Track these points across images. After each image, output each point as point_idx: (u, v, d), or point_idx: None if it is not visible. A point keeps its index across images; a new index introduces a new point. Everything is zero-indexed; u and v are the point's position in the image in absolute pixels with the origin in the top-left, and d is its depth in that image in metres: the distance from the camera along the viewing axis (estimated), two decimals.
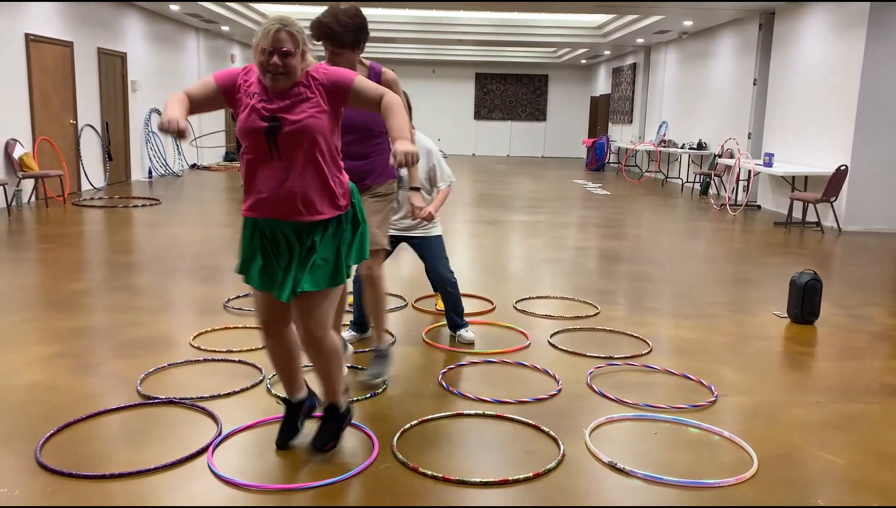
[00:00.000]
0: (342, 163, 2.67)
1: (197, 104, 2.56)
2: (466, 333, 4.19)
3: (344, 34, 3.06)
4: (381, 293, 3.42)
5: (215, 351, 3.90)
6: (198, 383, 3.46)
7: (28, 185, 9.47)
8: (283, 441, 2.82)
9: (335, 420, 2.79)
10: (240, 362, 3.76)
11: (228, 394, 3.33)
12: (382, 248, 3.41)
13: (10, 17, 9.00)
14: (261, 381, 3.50)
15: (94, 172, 11.31)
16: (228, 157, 17.21)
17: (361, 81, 2.57)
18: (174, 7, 12.50)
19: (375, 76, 3.26)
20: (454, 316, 4.22)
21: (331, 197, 2.57)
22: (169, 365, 3.68)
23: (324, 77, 2.54)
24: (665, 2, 10.47)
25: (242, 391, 3.38)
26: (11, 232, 7.41)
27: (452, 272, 4.15)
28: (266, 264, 2.60)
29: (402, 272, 5.99)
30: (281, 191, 2.50)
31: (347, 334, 4.07)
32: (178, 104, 2.48)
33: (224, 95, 2.57)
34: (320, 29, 3.05)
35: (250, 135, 2.50)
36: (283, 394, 2.88)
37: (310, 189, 2.52)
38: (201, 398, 3.27)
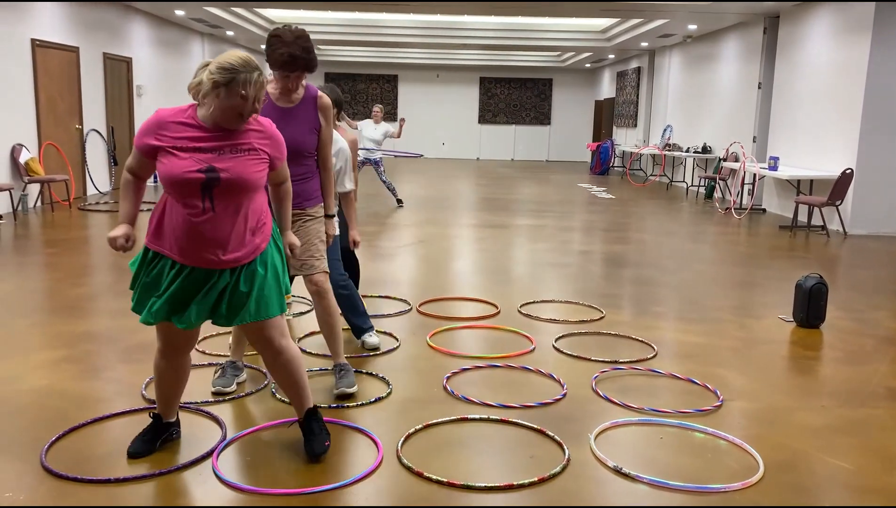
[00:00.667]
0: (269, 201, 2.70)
1: (145, 174, 2.56)
2: (370, 338, 4.08)
3: (313, 61, 3.13)
4: (330, 307, 3.39)
5: (220, 355, 3.90)
6: (202, 387, 3.47)
7: (34, 189, 9.50)
8: (140, 453, 2.74)
9: (318, 421, 2.81)
10: (245, 366, 3.76)
11: (233, 398, 3.34)
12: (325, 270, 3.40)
13: (16, 22, 9.04)
14: (265, 385, 3.50)
15: (99, 176, 11.35)
16: None
17: (285, 164, 2.71)
18: (179, 12, 12.55)
19: (311, 99, 3.27)
20: (354, 321, 4.08)
21: (254, 241, 2.58)
22: None
23: (268, 140, 2.57)
24: (671, 1, 10.45)
25: (248, 395, 3.39)
26: (17, 236, 7.43)
27: (344, 275, 3.97)
28: (181, 302, 2.55)
29: (405, 276, 6.00)
30: (206, 240, 2.48)
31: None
32: (127, 199, 2.57)
33: (151, 160, 2.51)
34: (297, 62, 3.08)
35: (184, 185, 2.43)
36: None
37: (232, 237, 2.51)
38: (206, 402, 3.28)
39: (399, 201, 10.64)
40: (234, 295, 2.56)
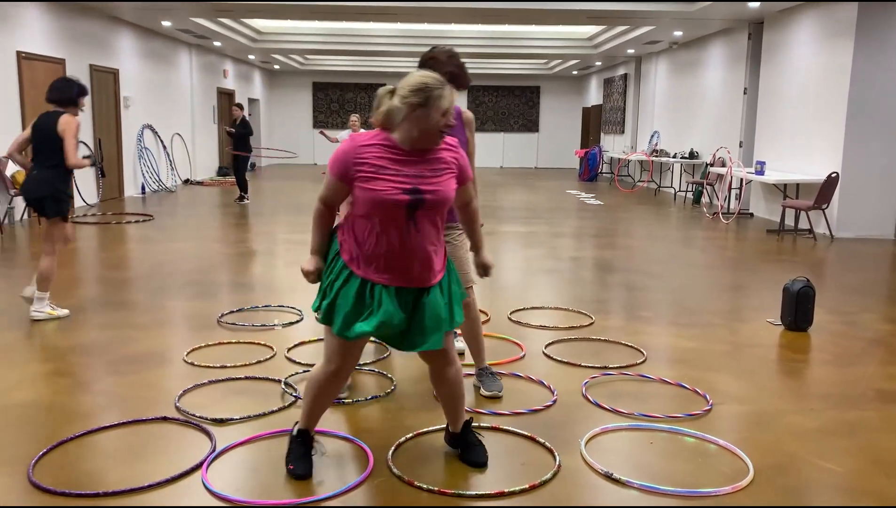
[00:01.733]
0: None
1: (339, 202, 2.62)
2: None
3: (468, 77, 3.34)
4: (475, 317, 3.55)
5: (209, 367, 3.88)
6: (189, 399, 3.45)
7: (21, 202, 9.44)
8: (307, 473, 2.70)
9: (473, 432, 2.90)
10: (246, 378, 3.75)
11: (241, 419, 3.32)
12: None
13: (1, 34, 9.00)
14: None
15: (87, 188, 11.29)
16: (221, 172, 17.21)
17: (471, 182, 2.78)
18: (166, 23, 12.53)
19: (457, 115, 3.37)
20: None
21: (443, 255, 2.66)
22: (197, 387, 3.66)
23: (458, 155, 2.64)
24: (658, 1, 10.51)
25: (261, 416, 3.37)
26: (5, 249, 7.38)
27: None
28: (382, 322, 2.53)
29: None
30: (413, 262, 2.52)
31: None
32: (320, 231, 2.61)
33: (349, 185, 2.53)
34: (456, 80, 3.17)
35: (389, 207, 2.45)
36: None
37: (433, 256, 2.57)
38: (193, 415, 3.25)
39: None
40: (434, 310, 2.58)
